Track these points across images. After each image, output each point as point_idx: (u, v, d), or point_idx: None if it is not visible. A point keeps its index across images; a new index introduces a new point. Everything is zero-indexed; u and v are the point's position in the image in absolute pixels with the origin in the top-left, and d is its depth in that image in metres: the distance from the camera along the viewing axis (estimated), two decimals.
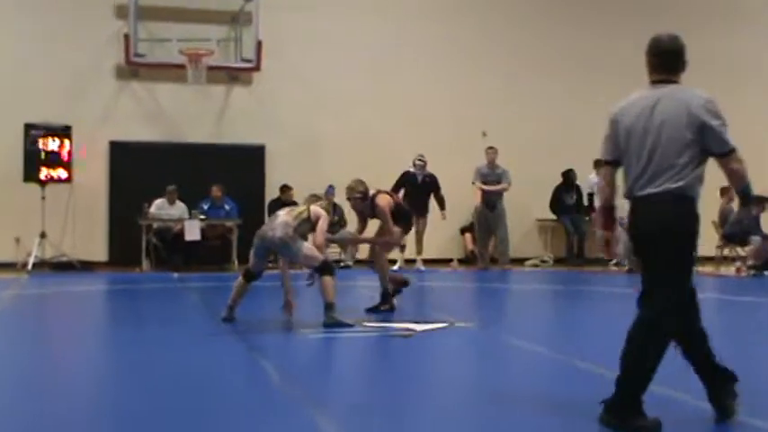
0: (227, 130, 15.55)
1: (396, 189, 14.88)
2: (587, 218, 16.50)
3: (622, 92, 17.28)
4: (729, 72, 16.92)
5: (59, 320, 9.37)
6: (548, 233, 17.12)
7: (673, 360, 4.51)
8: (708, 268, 14.94)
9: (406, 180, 14.89)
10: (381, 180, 14.95)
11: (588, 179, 16.22)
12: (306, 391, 5.38)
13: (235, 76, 15.56)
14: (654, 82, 4.74)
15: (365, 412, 4.88)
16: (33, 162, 14.03)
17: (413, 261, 14.94)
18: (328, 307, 7.85)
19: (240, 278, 8.22)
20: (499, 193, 15.32)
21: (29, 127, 14.03)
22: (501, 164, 15.41)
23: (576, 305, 11.05)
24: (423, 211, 14.84)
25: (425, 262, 15.23)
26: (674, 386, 4.96)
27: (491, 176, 15.30)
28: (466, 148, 15.95)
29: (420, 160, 15.00)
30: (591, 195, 16.39)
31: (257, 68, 15.16)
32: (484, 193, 15.25)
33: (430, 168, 15.23)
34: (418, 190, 14.89)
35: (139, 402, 5.04)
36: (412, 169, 15.00)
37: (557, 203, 16.49)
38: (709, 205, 14.84)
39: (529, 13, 17.01)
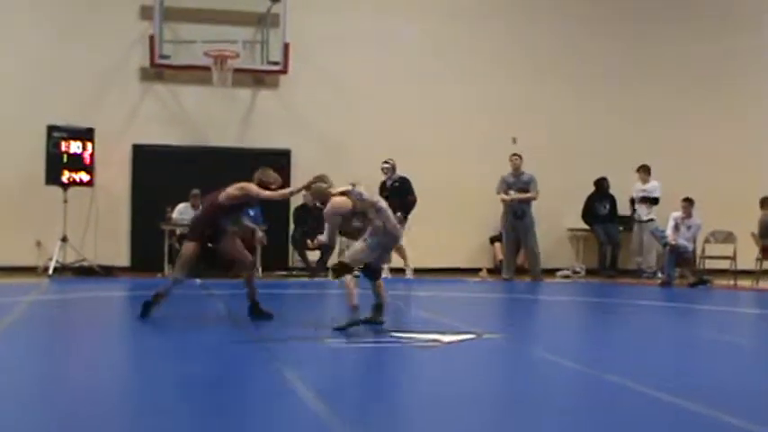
0: (252, 133, 15.35)
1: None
2: (621, 227, 16.14)
3: (655, 100, 17.26)
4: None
5: (79, 327, 9.15)
6: (579, 243, 16.73)
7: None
8: (746, 282, 14.48)
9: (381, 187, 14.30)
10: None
11: (635, 186, 15.79)
12: (329, 402, 5.11)
13: (261, 78, 15.35)
14: None
15: (390, 425, 4.70)
16: (55, 165, 13.84)
17: (402, 270, 14.51)
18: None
19: (351, 278, 8.15)
20: (526, 202, 14.84)
21: (51, 129, 13.84)
22: (530, 171, 14.94)
23: (608, 318, 10.71)
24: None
25: (455, 271, 14.92)
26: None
27: (517, 184, 14.84)
28: (496, 155, 15.64)
29: (386, 163, 14.41)
30: (633, 201, 15.91)
31: (284, 71, 14.91)
32: (509, 202, 14.80)
33: (460, 176, 14.92)
34: (388, 195, 14.35)
35: (159, 415, 4.82)
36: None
37: (589, 212, 16.10)
38: (749, 216, 14.55)
39: (560, 20, 16.68)
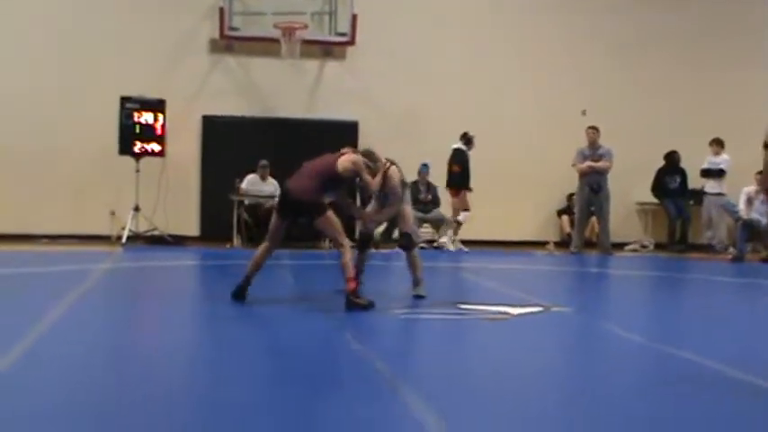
0: (320, 105, 15.41)
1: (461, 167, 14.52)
2: (691, 201, 15.91)
3: (727, 72, 16.81)
4: None
5: (153, 295, 9.34)
6: (648, 217, 16.53)
7: None
8: None
9: (465, 157, 14.47)
10: (476, 158, 14.69)
11: (708, 159, 15.47)
12: (397, 371, 5.19)
13: (329, 50, 15.39)
14: None
15: (457, 395, 4.71)
16: (128, 135, 14.09)
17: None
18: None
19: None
20: (602, 174, 14.58)
21: (124, 100, 14.07)
22: (603, 143, 14.73)
23: (678, 293, 10.60)
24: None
25: (522, 244, 14.91)
26: None
27: (593, 157, 14.62)
28: (564, 127, 15.50)
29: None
30: (704, 172, 15.54)
31: (352, 43, 14.95)
32: (585, 173, 14.61)
33: (527, 148, 14.90)
34: (468, 167, 14.55)
35: (232, 384, 4.90)
36: (463, 146, 14.46)
37: (659, 186, 15.89)
38: None
39: None
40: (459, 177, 14.44)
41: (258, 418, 4.15)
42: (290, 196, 7.67)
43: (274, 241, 7.87)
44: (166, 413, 4.28)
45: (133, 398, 4.54)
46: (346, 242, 7.60)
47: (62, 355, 5.50)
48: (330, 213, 7.61)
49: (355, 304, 7.35)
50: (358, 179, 7.96)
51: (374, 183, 7.96)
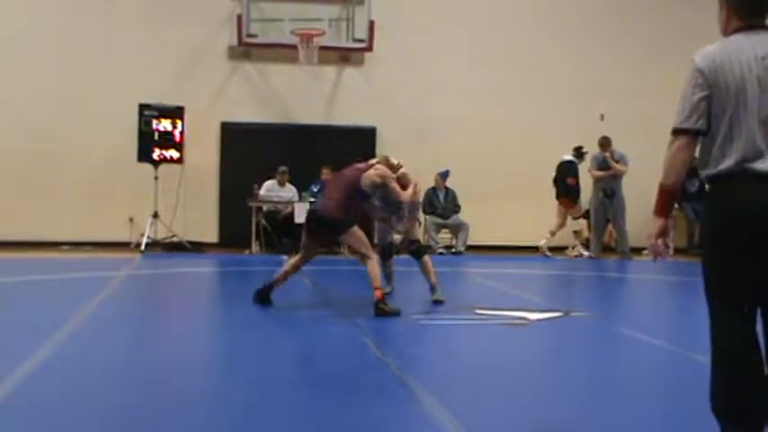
0: (338, 111, 15.44)
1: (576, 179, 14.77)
2: None
3: None
4: None
5: (171, 301, 9.40)
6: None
7: None
8: None
9: (577, 170, 14.78)
10: (494, 164, 14.70)
11: None
12: (415, 376, 5.19)
13: (346, 56, 15.43)
14: (751, 27, 3.73)
15: (474, 400, 4.73)
16: (147, 142, 14.16)
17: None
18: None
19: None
20: (617, 179, 14.61)
21: (143, 107, 14.15)
22: (619, 147, 14.69)
23: (696, 297, 10.49)
24: None
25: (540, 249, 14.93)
26: None
27: (607, 163, 14.65)
28: (582, 132, 15.43)
29: None
30: None
31: (369, 49, 14.98)
32: (600, 178, 14.62)
33: (544, 154, 14.96)
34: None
35: (251, 385, 4.94)
36: (574, 159, 14.76)
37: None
38: None
39: None
40: (575, 189, 14.67)
41: (278, 420, 4.18)
42: (317, 216, 7.87)
43: (308, 254, 8.05)
44: (189, 415, 4.31)
45: (155, 400, 4.58)
46: (372, 254, 7.79)
47: (85, 361, 5.54)
48: (356, 228, 7.75)
49: (384, 311, 7.46)
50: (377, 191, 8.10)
51: (405, 194, 8.08)
